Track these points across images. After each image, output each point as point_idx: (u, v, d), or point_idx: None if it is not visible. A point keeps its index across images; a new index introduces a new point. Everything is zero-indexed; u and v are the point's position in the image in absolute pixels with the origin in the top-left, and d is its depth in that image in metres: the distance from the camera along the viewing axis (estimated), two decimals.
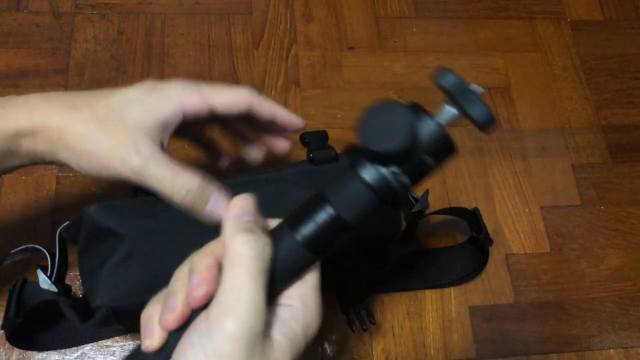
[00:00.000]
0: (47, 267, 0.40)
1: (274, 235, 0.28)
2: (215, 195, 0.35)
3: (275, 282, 0.28)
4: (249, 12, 0.66)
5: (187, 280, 0.27)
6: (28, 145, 0.34)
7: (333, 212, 0.28)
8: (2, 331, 0.46)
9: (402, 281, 0.53)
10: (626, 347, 0.55)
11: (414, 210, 0.48)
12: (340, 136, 0.60)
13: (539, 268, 0.57)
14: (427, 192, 0.49)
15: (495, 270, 0.56)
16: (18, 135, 0.34)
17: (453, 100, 0.29)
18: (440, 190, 0.59)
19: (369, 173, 0.28)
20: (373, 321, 0.45)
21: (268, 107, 0.39)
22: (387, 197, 0.28)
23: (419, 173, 0.28)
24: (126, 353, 0.48)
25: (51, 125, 0.34)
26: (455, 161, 0.61)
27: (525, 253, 0.57)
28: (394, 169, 0.28)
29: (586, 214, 0.60)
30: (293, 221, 0.28)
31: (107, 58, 0.60)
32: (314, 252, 0.28)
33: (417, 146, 0.27)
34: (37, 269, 0.38)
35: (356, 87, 0.63)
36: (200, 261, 0.27)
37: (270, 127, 0.41)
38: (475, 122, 0.29)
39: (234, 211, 0.29)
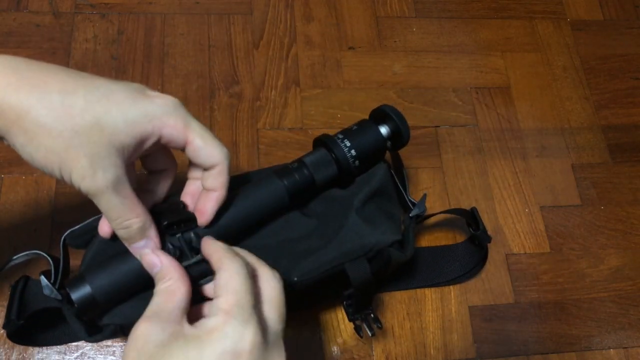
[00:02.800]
0: (50, 273, 0.39)
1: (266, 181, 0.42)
2: (147, 240, 0.34)
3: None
4: (249, 12, 0.66)
5: None
6: None
7: (308, 172, 0.43)
8: (2, 330, 0.46)
9: (402, 280, 0.53)
10: (626, 347, 0.55)
11: (411, 215, 0.48)
12: None
13: (539, 268, 0.57)
14: (424, 197, 0.49)
15: (495, 270, 0.56)
16: None
17: (390, 120, 0.47)
18: (440, 190, 0.59)
19: (337, 150, 0.44)
20: (380, 326, 0.45)
21: (219, 182, 0.36)
22: (345, 170, 0.44)
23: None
24: None
25: (10, 100, 0.29)
26: (456, 161, 0.61)
27: (525, 253, 0.57)
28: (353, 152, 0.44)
29: (586, 214, 0.60)
30: (280, 174, 0.42)
31: (107, 58, 0.61)
32: (290, 197, 0.42)
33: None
34: (40, 275, 0.38)
35: (356, 87, 0.63)
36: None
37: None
38: (401, 137, 0.47)
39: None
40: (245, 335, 0.29)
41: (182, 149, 0.35)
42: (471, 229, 0.53)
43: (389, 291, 0.53)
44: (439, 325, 0.53)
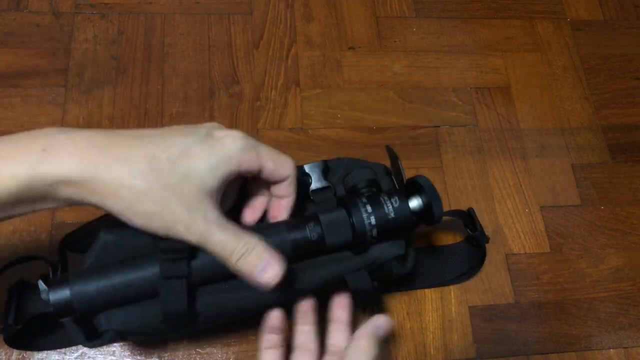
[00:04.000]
0: (48, 277, 0.39)
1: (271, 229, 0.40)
2: (266, 259, 0.36)
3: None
4: (249, 12, 0.66)
5: None
6: (70, 193, 0.32)
7: (320, 231, 0.40)
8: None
9: (401, 281, 0.53)
10: (626, 347, 0.55)
11: None
12: (341, 136, 0.60)
13: (539, 268, 0.57)
14: None
15: (495, 270, 0.56)
16: (62, 182, 0.31)
17: (423, 194, 0.43)
18: (440, 190, 0.59)
19: (356, 216, 0.40)
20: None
21: (289, 190, 0.40)
22: (359, 238, 0.41)
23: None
24: (126, 353, 0.48)
25: (105, 177, 0.32)
26: (456, 161, 0.61)
27: (525, 253, 0.57)
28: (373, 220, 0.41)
29: (586, 214, 0.60)
30: (291, 227, 0.40)
31: (107, 58, 0.60)
32: (294, 252, 0.39)
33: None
34: (38, 280, 0.38)
35: (356, 87, 0.63)
36: None
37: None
38: (432, 216, 0.42)
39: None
40: None
41: (256, 175, 0.38)
42: (469, 230, 0.53)
43: (389, 292, 0.53)
44: (439, 325, 0.53)
